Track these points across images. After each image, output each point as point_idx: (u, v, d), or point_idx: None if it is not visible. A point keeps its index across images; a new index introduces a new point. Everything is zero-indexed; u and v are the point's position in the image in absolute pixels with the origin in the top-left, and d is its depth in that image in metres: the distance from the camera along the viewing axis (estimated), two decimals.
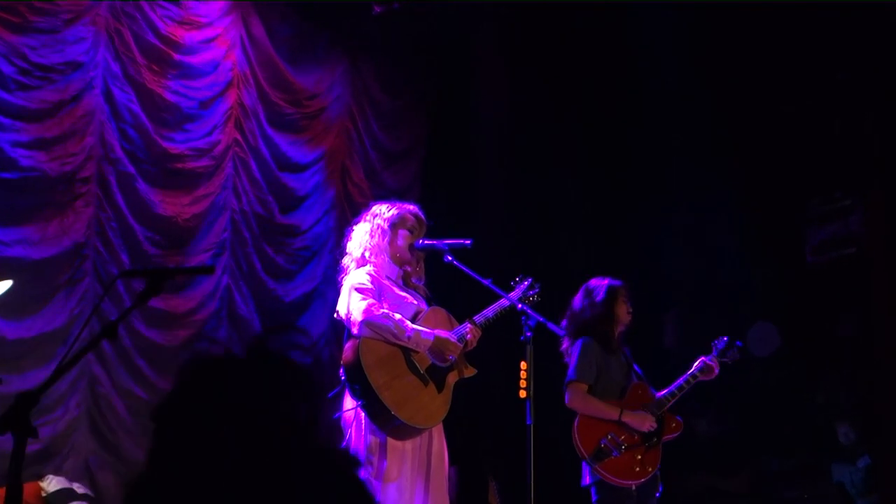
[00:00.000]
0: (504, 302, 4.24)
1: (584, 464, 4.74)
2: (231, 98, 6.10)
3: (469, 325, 4.21)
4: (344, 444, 3.97)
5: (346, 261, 4.34)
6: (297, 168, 6.52)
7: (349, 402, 4.01)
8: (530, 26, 7.21)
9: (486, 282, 4.16)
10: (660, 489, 4.78)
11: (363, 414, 3.95)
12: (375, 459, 3.93)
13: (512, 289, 4.48)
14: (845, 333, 6.87)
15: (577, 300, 5.01)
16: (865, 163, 6.64)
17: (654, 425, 4.71)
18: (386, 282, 4.23)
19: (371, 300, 4.04)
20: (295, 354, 1.45)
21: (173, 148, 5.77)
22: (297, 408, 1.41)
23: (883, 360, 6.37)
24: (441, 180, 7.23)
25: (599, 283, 4.99)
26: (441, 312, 4.28)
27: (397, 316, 4.04)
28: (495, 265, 5.03)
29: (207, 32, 5.96)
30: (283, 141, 6.43)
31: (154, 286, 2.39)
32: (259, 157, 6.26)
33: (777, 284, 7.07)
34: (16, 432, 2.08)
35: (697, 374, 4.87)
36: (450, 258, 4.20)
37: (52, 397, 5.04)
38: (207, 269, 5.23)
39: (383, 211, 4.33)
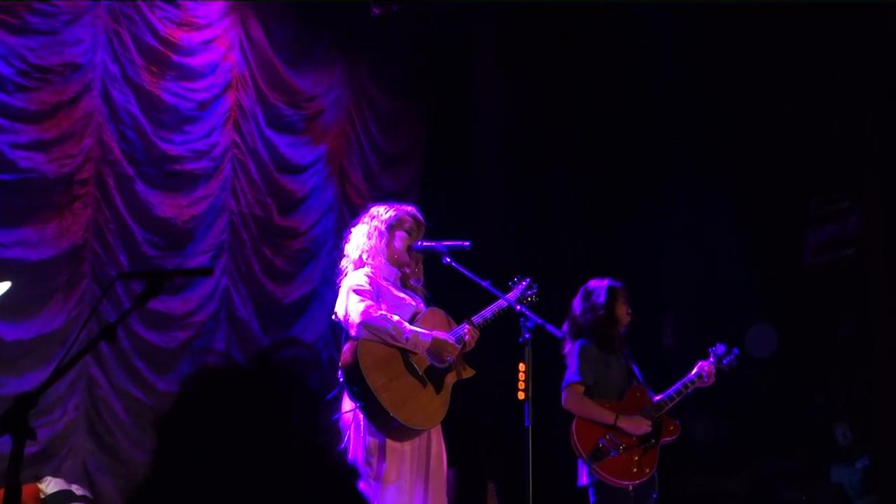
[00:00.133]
0: (502, 303, 4.25)
1: (580, 464, 4.74)
2: (230, 100, 6.09)
3: (467, 326, 4.21)
4: (342, 445, 3.98)
5: (344, 263, 4.34)
6: (296, 170, 6.51)
7: (348, 404, 4.01)
8: (530, 26, 7.20)
9: (484, 283, 4.15)
10: (657, 491, 4.78)
11: (362, 415, 3.95)
12: (374, 461, 3.93)
13: (510, 289, 4.48)
14: (844, 334, 6.87)
15: (577, 302, 5.01)
16: (864, 164, 6.64)
17: (650, 430, 4.71)
18: (384, 283, 4.23)
19: (369, 302, 4.04)
20: (296, 362, 1.45)
21: (172, 149, 5.76)
22: (296, 416, 1.41)
23: (882, 360, 6.36)
24: (440, 181, 7.21)
25: (599, 285, 4.99)
26: (439, 314, 4.29)
27: (395, 317, 4.04)
28: (495, 265, 5.03)
29: (206, 34, 5.96)
30: (281, 142, 6.42)
31: (152, 288, 2.40)
32: (257, 158, 6.25)
33: (776, 285, 7.07)
34: (14, 434, 2.08)
35: (696, 379, 4.86)
36: (448, 260, 4.20)
37: (51, 399, 5.03)
38: (206, 271, 5.23)
39: (381, 213, 4.33)
